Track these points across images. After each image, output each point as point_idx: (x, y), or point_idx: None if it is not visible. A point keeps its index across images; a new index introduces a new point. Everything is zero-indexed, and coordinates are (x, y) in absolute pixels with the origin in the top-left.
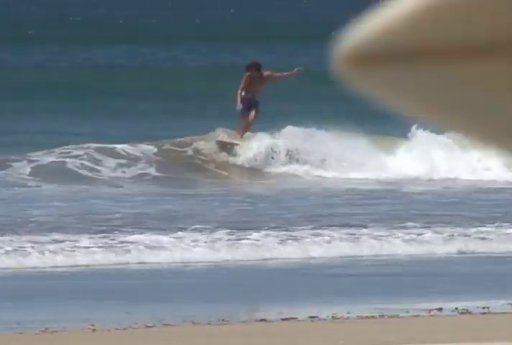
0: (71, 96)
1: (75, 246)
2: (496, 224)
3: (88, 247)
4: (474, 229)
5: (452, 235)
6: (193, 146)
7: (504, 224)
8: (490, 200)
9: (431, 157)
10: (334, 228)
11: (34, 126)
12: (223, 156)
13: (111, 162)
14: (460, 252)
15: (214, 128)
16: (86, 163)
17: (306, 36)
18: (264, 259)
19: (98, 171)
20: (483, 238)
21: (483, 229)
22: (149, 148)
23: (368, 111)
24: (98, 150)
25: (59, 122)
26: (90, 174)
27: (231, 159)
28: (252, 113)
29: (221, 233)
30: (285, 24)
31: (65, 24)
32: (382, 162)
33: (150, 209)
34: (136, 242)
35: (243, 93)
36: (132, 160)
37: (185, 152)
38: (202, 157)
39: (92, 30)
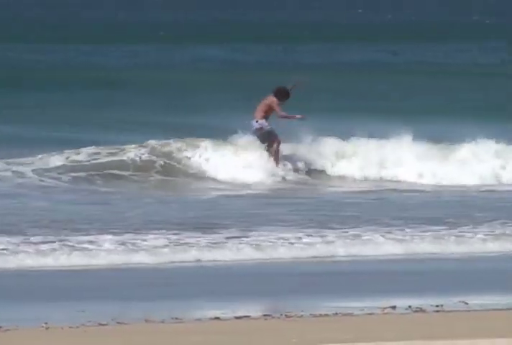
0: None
1: (27, 246)
2: (449, 225)
3: (42, 248)
4: (424, 230)
5: (405, 235)
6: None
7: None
8: (433, 202)
9: None
10: (285, 228)
11: None
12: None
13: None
14: (412, 252)
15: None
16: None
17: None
18: (220, 260)
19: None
20: (435, 239)
21: (437, 230)
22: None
23: None
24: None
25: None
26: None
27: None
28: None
29: (177, 234)
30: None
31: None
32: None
33: (94, 212)
34: (89, 243)
35: (266, 120)
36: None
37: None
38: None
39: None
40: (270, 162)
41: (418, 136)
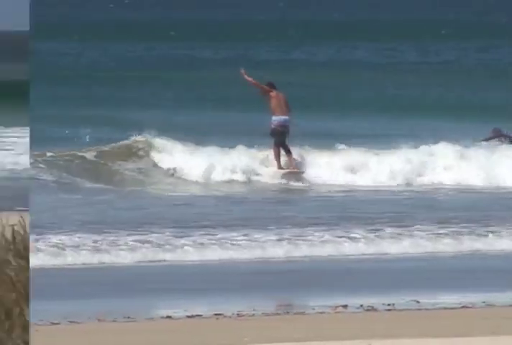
0: None
1: None
2: (399, 224)
3: None
4: (376, 229)
5: (356, 235)
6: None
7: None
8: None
9: None
10: (234, 229)
11: None
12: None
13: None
14: (363, 251)
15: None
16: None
17: None
18: (165, 260)
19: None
20: (387, 238)
21: (394, 229)
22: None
23: None
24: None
25: None
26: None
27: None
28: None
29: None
30: None
31: None
32: None
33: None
34: (42, 242)
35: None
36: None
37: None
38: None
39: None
40: (290, 160)
41: None
